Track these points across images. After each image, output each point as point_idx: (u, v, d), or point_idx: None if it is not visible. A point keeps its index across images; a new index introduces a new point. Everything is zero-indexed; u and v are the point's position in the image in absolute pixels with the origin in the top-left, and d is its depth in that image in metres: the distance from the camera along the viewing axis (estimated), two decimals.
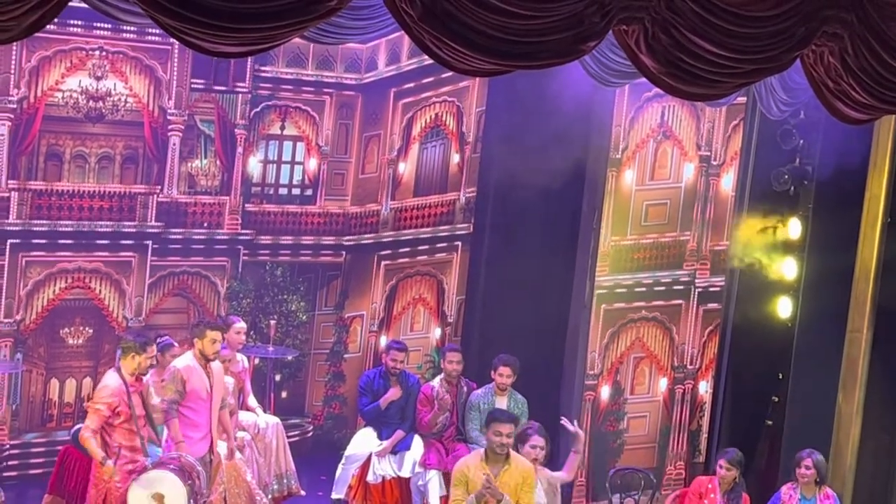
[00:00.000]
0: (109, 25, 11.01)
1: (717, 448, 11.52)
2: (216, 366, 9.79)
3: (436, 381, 11.23)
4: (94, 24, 11.03)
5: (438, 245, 12.94)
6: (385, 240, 12.75)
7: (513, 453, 9.01)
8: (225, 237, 11.99)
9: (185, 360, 9.62)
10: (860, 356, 10.61)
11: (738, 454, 10.21)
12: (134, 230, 11.52)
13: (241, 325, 11.03)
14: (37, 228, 11.15)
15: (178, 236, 11.75)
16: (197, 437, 9.68)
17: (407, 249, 12.84)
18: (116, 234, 11.45)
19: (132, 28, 10.98)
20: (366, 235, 12.67)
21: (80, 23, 10.99)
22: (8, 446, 11.12)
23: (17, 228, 11.06)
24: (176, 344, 10.49)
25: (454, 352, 11.22)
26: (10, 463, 11.11)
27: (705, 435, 11.85)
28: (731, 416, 11.82)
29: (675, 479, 11.72)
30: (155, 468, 8.93)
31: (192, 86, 11.61)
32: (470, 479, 8.77)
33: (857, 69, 8.51)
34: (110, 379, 9.22)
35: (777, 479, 10.86)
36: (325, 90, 12.29)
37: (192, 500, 9.04)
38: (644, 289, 11.59)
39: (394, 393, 10.97)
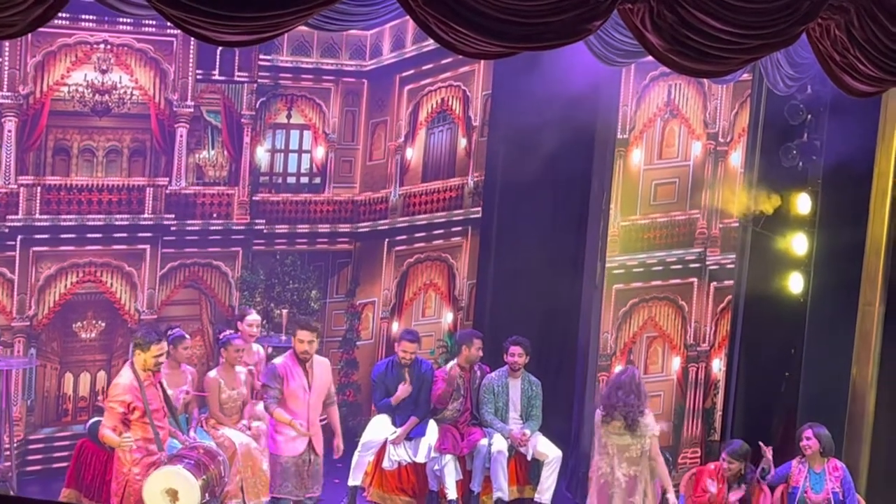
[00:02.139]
0: (114, 18, 11.00)
1: (731, 426, 11.53)
2: (318, 363, 10.02)
3: (449, 366, 11.25)
4: (99, 18, 11.03)
5: (448, 230, 12.95)
6: (395, 226, 12.75)
7: None
8: (234, 227, 11.99)
9: (282, 358, 9.99)
10: (873, 329, 10.59)
11: (742, 447, 10.19)
12: (143, 223, 11.53)
13: (253, 317, 11.08)
14: (46, 223, 11.16)
15: (188, 228, 11.76)
16: (292, 435, 9.99)
17: (417, 235, 12.84)
18: (126, 226, 11.46)
19: (136, 21, 10.97)
20: (375, 222, 12.67)
21: (84, 16, 10.98)
22: (24, 441, 11.14)
23: (26, 224, 11.08)
24: (188, 336, 10.52)
25: (480, 339, 11.25)
26: (27, 458, 11.14)
27: (720, 413, 11.85)
28: (745, 393, 11.82)
29: (690, 457, 11.73)
30: (170, 462, 8.94)
31: (198, 77, 11.61)
32: None
33: (863, 41, 8.49)
34: (123, 376, 9.25)
35: (793, 455, 10.85)
36: (331, 78, 12.29)
37: (212, 487, 9.08)
38: (655, 268, 11.58)
39: (404, 391, 10.97)
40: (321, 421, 10.36)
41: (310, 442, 10.08)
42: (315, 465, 10.26)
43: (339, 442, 10.34)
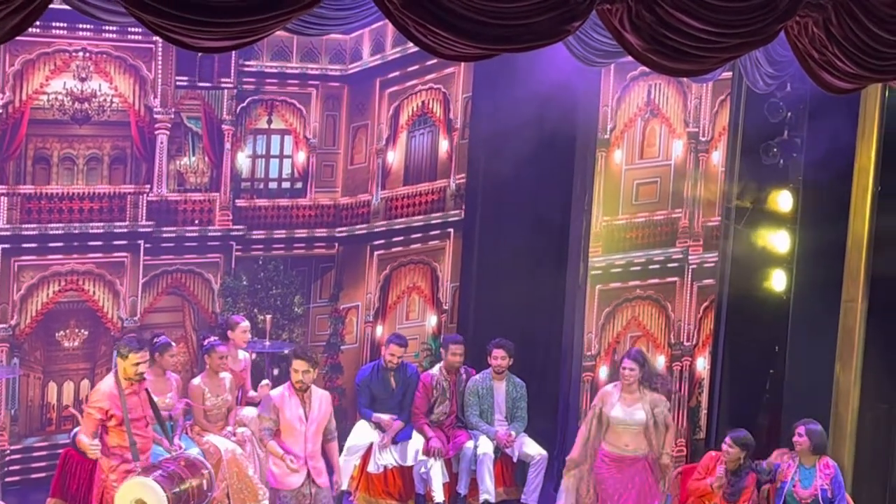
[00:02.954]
0: (92, 26, 10.98)
1: (716, 424, 11.54)
2: (316, 394, 9.60)
3: (435, 370, 11.26)
4: (77, 26, 11.00)
5: (430, 233, 12.94)
6: (377, 230, 12.74)
7: None
8: (216, 233, 11.97)
9: (280, 389, 9.63)
10: (856, 326, 10.62)
11: (746, 436, 10.22)
12: (125, 230, 11.50)
13: (245, 324, 11.09)
14: (27, 232, 11.12)
15: (170, 234, 11.73)
16: (289, 469, 9.53)
17: (399, 238, 12.84)
18: (108, 234, 11.43)
19: (115, 28, 10.95)
20: (358, 226, 12.66)
21: (62, 24, 10.96)
22: (9, 451, 11.10)
23: (7, 233, 11.04)
24: (173, 344, 10.50)
25: (457, 344, 11.25)
26: (11, 468, 11.10)
27: (705, 411, 11.87)
28: (730, 391, 11.84)
29: (676, 456, 11.73)
30: (143, 473, 8.90)
31: (178, 83, 11.58)
32: None
33: (841, 38, 8.51)
34: (104, 383, 9.23)
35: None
36: (311, 82, 12.28)
37: (186, 501, 8.99)
38: (638, 268, 11.60)
39: (395, 428, 10.97)
40: None
41: (309, 474, 9.56)
42: (318, 497, 10.09)
43: (338, 478, 10.05)
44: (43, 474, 10.98)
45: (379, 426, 11.03)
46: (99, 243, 11.41)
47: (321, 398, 9.59)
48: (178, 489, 8.91)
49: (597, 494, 10.35)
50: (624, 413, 10.22)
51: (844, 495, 10.13)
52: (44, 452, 11.21)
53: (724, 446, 10.19)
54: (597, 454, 10.28)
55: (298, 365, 9.48)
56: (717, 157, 11.66)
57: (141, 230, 11.57)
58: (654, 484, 10.38)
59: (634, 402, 10.25)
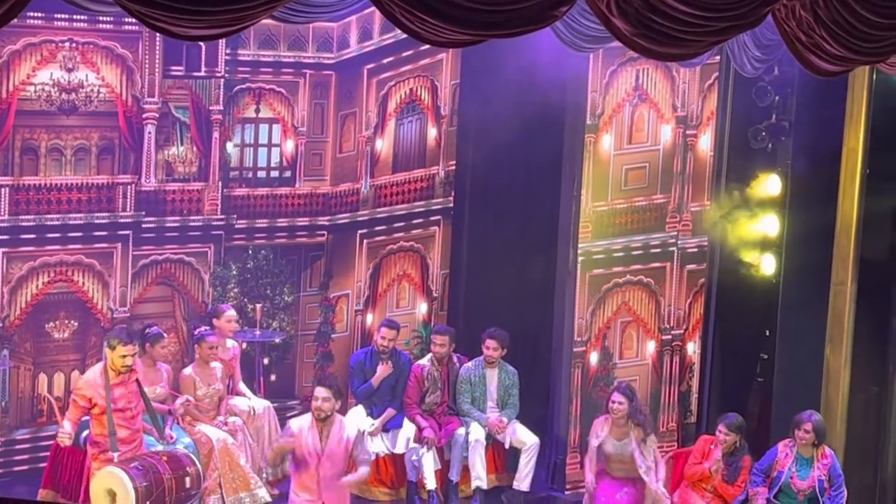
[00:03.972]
0: (78, 16, 10.94)
1: (707, 408, 11.56)
2: (336, 426, 9.25)
3: (425, 360, 11.26)
4: (63, 16, 10.96)
5: (420, 220, 12.93)
6: (366, 218, 12.73)
7: None
8: (206, 223, 11.94)
9: (302, 419, 9.29)
10: (846, 309, 10.64)
11: (738, 419, 10.24)
12: (114, 220, 11.47)
13: (231, 313, 11.06)
14: (16, 224, 11.09)
15: (159, 224, 11.71)
16: (305, 498, 9.27)
17: (389, 226, 12.82)
18: (96, 225, 11.40)
19: (101, 17, 10.92)
20: (347, 214, 12.64)
21: (48, 15, 10.92)
22: (0, 443, 11.09)
23: None
24: (165, 335, 10.50)
25: (439, 335, 11.25)
26: (2, 460, 11.09)
27: (696, 395, 11.89)
28: (721, 375, 11.85)
29: (667, 441, 11.75)
30: (119, 464, 8.88)
31: (165, 73, 11.56)
32: None
33: (828, 21, 8.51)
34: (90, 372, 9.26)
35: (769, 436, 10.89)
36: (299, 71, 12.25)
37: (160, 496, 8.92)
38: (627, 253, 11.59)
39: (384, 370, 10.99)
40: None
41: None
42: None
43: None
44: (34, 465, 10.96)
45: (369, 412, 11.03)
46: (88, 234, 11.38)
47: (340, 439, 9.23)
48: (148, 483, 8.83)
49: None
50: (614, 447, 10.32)
51: (842, 485, 10.13)
52: (35, 444, 11.19)
53: (720, 435, 10.19)
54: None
55: (318, 392, 9.25)
56: (706, 141, 11.67)
57: (129, 220, 11.55)
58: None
59: (623, 435, 10.30)
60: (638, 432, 10.29)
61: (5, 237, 11.06)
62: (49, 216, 11.20)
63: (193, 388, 10.47)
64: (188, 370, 10.60)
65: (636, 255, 11.61)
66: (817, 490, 10.08)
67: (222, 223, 12.02)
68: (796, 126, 10.79)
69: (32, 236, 11.16)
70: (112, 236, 11.49)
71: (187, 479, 9.11)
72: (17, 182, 11.08)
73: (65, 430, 9.03)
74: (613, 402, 10.28)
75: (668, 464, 10.64)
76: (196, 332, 10.78)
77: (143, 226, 11.61)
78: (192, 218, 11.87)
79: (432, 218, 12.96)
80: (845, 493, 10.17)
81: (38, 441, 11.19)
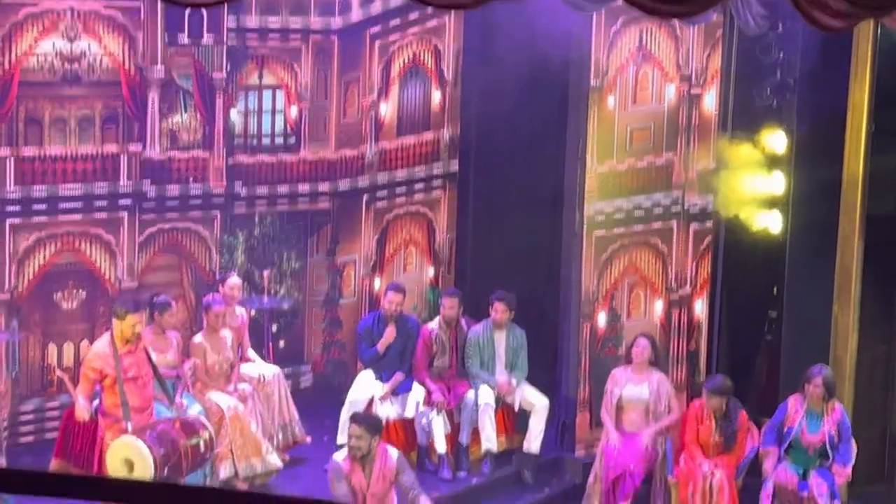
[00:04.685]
0: None
1: (716, 367, 11.57)
2: (378, 465, 8.84)
3: (433, 324, 11.27)
4: None
5: (425, 184, 12.93)
6: (372, 182, 12.73)
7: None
8: (211, 191, 11.95)
9: (343, 455, 8.89)
10: (853, 266, 10.63)
11: (722, 382, 10.26)
12: (120, 190, 11.48)
13: (234, 280, 11.06)
14: (22, 195, 11.10)
15: (165, 193, 11.72)
16: None
17: (394, 191, 12.83)
18: (102, 195, 11.41)
19: None
20: (352, 180, 12.64)
21: None
22: (11, 414, 11.11)
23: (1, 196, 11.01)
24: (173, 303, 10.52)
25: (448, 297, 11.27)
26: (14, 430, 11.12)
27: (704, 354, 11.89)
28: (728, 334, 11.86)
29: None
30: (135, 433, 8.90)
31: (167, 41, 11.53)
32: None
33: None
34: (98, 344, 9.26)
35: (777, 394, 10.91)
36: (301, 36, 12.23)
37: (177, 461, 8.94)
38: (633, 213, 11.58)
39: (389, 333, 11.00)
40: None
41: None
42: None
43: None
44: (46, 436, 11.00)
45: (378, 376, 11.05)
46: (94, 204, 11.39)
47: (384, 474, 8.83)
48: (166, 450, 8.86)
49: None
50: (632, 391, 10.49)
51: (850, 438, 10.16)
52: (46, 414, 11.23)
53: (704, 398, 10.24)
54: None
55: (352, 430, 8.87)
56: (711, 99, 11.63)
57: (135, 189, 11.55)
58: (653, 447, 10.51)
59: (642, 380, 10.43)
60: (659, 376, 10.55)
61: (12, 208, 11.06)
62: (55, 186, 11.20)
63: (204, 356, 10.49)
64: (198, 338, 10.63)
65: (642, 215, 11.60)
66: (827, 444, 10.10)
67: (228, 191, 12.02)
68: (801, 83, 10.75)
69: (39, 207, 11.17)
70: (118, 206, 11.49)
71: (201, 443, 9.16)
72: (22, 153, 11.07)
73: (81, 405, 9.05)
74: (639, 346, 10.46)
75: (676, 424, 10.66)
76: (204, 301, 10.80)
77: (149, 195, 11.62)
78: (198, 186, 11.87)
79: (437, 182, 12.96)
80: (854, 447, 10.20)
81: (48, 411, 11.22)
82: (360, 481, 8.73)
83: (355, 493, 8.65)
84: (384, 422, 10.73)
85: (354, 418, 9.06)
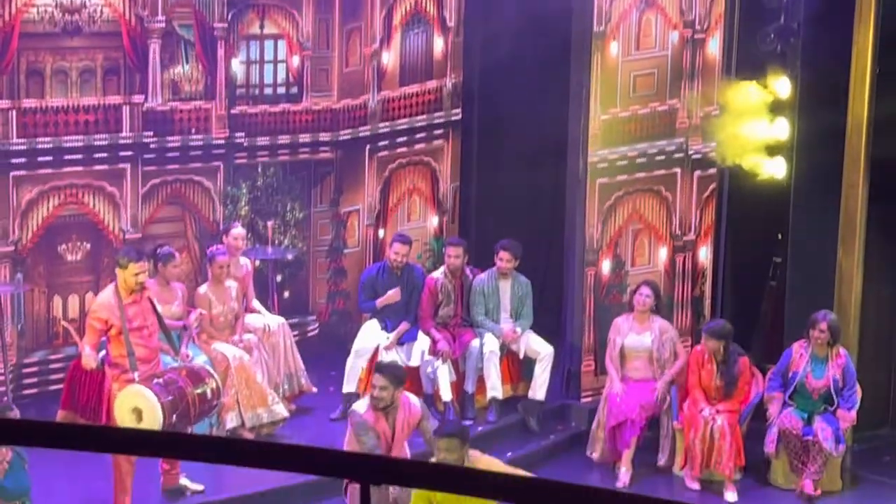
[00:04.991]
0: None
1: (720, 314, 11.59)
2: (402, 415, 8.71)
3: (438, 273, 11.27)
4: None
5: (429, 133, 12.90)
6: (375, 132, 12.70)
7: (476, 460, 8.26)
8: (214, 142, 11.92)
9: (363, 406, 8.73)
10: (857, 211, 10.61)
11: (721, 326, 10.30)
12: (122, 141, 11.45)
13: (238, 230, 11.05)
14: (24, 147, 11.08)
15: (167, 144, 11.69)
16: None
17: (397, 140, 12.80)
18: (105, 146, 11.38)
19: None
20: (355, 129, 12.61)
21: None
22: (18, 366, 11.14)
23: (3, 148, 10.99)
24: (176, 254, 10.51)
25: (453, 246, 11.26)
26: (21, 382, 11.16)
27: (709, 300, 11.91)
28: (733, 280, 11.87)
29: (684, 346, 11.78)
30: (141, 382, 8.92)
31: None
32: (429, 495, 8.11)
33: None
34: (103, 294, 9.26)
35: (782, 339, 10.93)
36: None
37: (185, 409, 8.95)
38: (637, 160, 11.55)
39: (393, 294, 10.98)
40: None
41: None
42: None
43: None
44: (53, 387, 11.03)
45: (384, 326, 11.07)
46: (96, 155, 11.36)
47: (408, 422, 8.76)
48: (173, 397, 8.88)
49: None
50: (634, 339, 10.51)
51: (855, 383, 10.19)
52: (53, 366, 11.26)
53: (703, 341, 10.28)
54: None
55: (375, 380, 8.75)
56: (714, 45, 11.58)
57: (138, 140, 11.52)
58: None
59: (644, 329, 10.45)
60: (661, 324, 10.58)
61: (14, 161, 11.04)
62: (57, 139, 11.18)
63: (209, 307, 10.51)
64: (203, 288, 10.64)
65: (646, 162, 11.57)
66: (832, 389, 10.13)
67: (230, 141, 12.00)
68: (805, 27, 10.69)
69: (42, 159, 11.15)
70: (120, 157, 11.47)
71: (208, 391, 9.16)
72: (24, 105, 11.04)
73: (88, 355, 9.06)
74: (642, 294, 10.46)
75: (680, 370, 10.69)
76: (208, 252, 10.80)
77: (151, 146, 11.59)
78: (200, 137, 11.84)
79: (441, 131, 12.93)
80: (859, 391, 10.23)
81: (52, 363, 11.25)
82: (384, 430, 8.66)
83: (379, 442, 8.61)
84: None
85: (379, 369, 8.95)
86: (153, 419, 8.72)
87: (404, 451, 8.89)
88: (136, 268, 9.08)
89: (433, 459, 8.23)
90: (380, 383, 8.62)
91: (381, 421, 8.61)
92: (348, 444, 8.74)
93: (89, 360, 9.05)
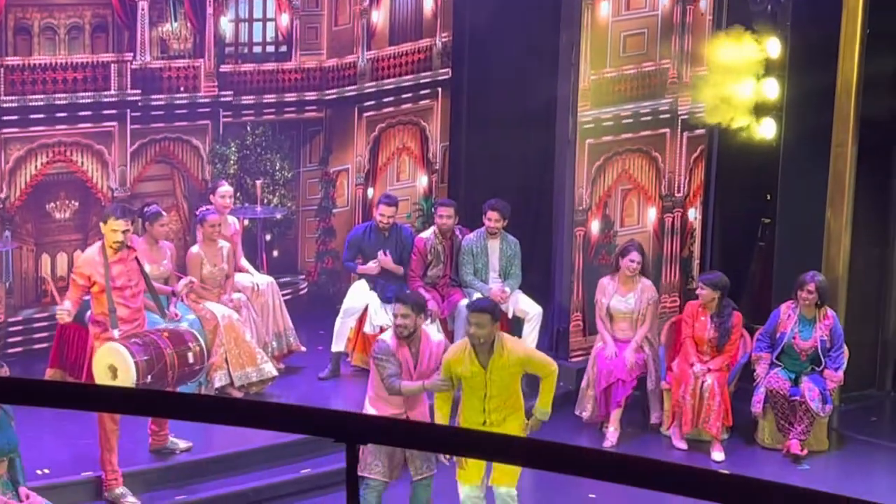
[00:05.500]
0: None
1: None
2: (426, 347, 8.57)
3: (428, 233, 11.26)
4: None
5: (418, 92, 12.87)
6: (364, 91, 12.67)
7: (504, 339, 8.42)
8: (203, 100, 11.89)
9: (389, 335, 8.64)
10: (846, 171, 10.62)
11: (718, 278, 10.31)
12: (110, 99, 11.41)
13: (225, 188, 11.02)
14: (12, 104, 11.03)
15: (156, 102, 11.65)
16: (387, 413, 8.50)
17: (387, 99, 12.77)
18: (93, 104, 11.34)
19: None
20: (345, 88, 12.58)
21: None
22: (5, 323, 11.15)
23: None
24: (164, 213, 10.48)
25: (443, 206, 11.25)
26: (9, 340, 11.16)
27: (697, 261, 11.93)
28: (722, 240, 11.89)
29: (669, 306, 11.81)
30: (120, 340, 8.89)
31: None
32: (457, 373, 8.38)
33: None
34: (88, 251, 9.21)
35: (771, 299, 10.96)
36: None
37: (161, 369, 8.91)
38: (627, 120, 11.53)
39: (371, 268, 10.96)
40: None
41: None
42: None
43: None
44: (41, 345, 11.04)
45: (372, 286, 11.07)
46: (85, 113, 11.33)
47: (431, 352, 8.57)
48: (148, 357, 8.83)
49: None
50: (619, 302, 10.55)
51: (842, 344, 10.22)
52: (42, 324, 11.25)
53: (699, 290, 10.35)
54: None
55: (396, 308, 8.61)
56: (704, 4, 11.55)
57: (126, 98, 11.49)
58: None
59: (628, 291, 10.48)
60: (643, 285, 10.59)
61: (2, 118, 11.00)
62: (45, 96, 11.13)
63: (200, 267, 10.48)
64: (195, 248, 10.61)
65: (636, 122, 11.56)
66: (819, 350, 10.17)
67: (219, 100, 11.96)
68: None
69: (31, 117, 11.11)
70: (109, 115, 11.43)
71: (189, 355, 9.05)
72: (11, 62, 10.99)
73: (64, 308, 9.01)
74: (633, 261, 10.45)
75: (670, 329, 10.73)
76: (198, 213, 10.77)
77: (140, 104, 11.55)
78: (189, 95, 11.81)
79: (430, 90, 12.90)
80: (846, 352, 10.26)
81: (42, 321, 11.24)
82: (406, 358, 8.54)
83: (401, 371, 8.50)
84: (379, 330, 10.76)
85: (400, 298, 8.79)
86: (127, 377, 8.69)
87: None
88: (116, 224, 8.96)
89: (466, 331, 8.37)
90: (401, 311, 8.51)
91: (403, 349, 8.55)
92: (371, 377, 8.67)
93: (63, 313, 9.01)
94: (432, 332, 9.04)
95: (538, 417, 8.56)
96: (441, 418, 8.62)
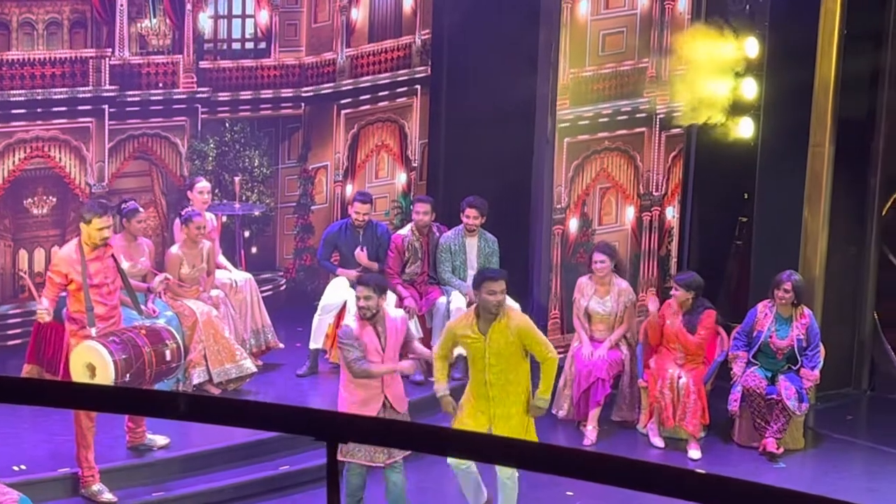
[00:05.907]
0: None
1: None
2: (391, 324, 8.70)
3: (406, 230, 11.26)
4: None
5: (397, 90, 12.87)
6: (343, 88, 12.66)
7: (509, 309, 8.70)
8: (181, 96, 11.87)
9: (352, 319, 8.75)
10: (823, 170, 10.66)
11: (692, 278, 10.33)
12: (89, 95, 11.38)
13: (203, 184, 10.99)
14: None
15: (134, 98, 11.63)
16: (362, 396, 8.67)
17: (366, 96, 12.77)
18: (71, 100, 11.31)
19: None
20: (324, 85, 12.57)
21: None
22: None
23: None
24: (142, 210, 10.44)
25: (421, 203, 11.25)
26: None
27: (675, 260, 11.96)
28: (699, 238, 11.93)
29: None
30: (98, 339, 8.86)
31: None
32: (458, 337, 8.65)
33: None
34: (65, 248, 9.16)
35: (748, 298, 10.99)
36: None
37: (139, 367, 8.90)
38: (606, 119, 11.57)
39: (350, 273, 10.95)
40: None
41: (386, 402, 8.73)
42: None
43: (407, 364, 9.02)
44: (18, 341, 11.00)
45: (351, 283, 11.07)
46: (63, 109, 11.30)
47: (396, 328, 8.73)
48: (127, 356, 8.80)
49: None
50: (597, 304, 10.56)
51: (819, 343, 10.26)
52: (18, 319, 11.22)
53: (673, 291, 10.37)
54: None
55: (359, 290, 8.69)
56: (683, 4, 11.58)
57: (104, 94, 11.46)
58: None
59: (606, 293, 10.49)
60: (619, 288, 10.56)
61: None
62: (22, 91, 11.10)
63: (179, 267, 10.43)
64: (175, 248, 10.55)
65: (614, 120, 11.59)
66: (796, 349, 10.21)
67: (198, 96, 11.94)
68: None
69: (7, 112, 11.07)
70: (87, 111, 11.41)
71: (167, 352, 9.01)
72: None
73: (42, 307, 8.98)
74: (596, 261, 10.43)
75: (645, 331, 10.74)
76: (183, 214, 10.71)
77: (118, 100, 11.53)
78: (168, 91, 11.78)
79: (409, 88, 12.90)
80: (822, 351, 10.31)
81: (18, 317, 11.21)
82: (372, 340, 8.62)
83: (367, 353, 8.59)
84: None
85: (361, 280, 8.89)
86: (106, 376, 8.66)
87: (397, 359, 8.77)
88: (100, 222, 8.93)
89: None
90: (363, 293, 8.62)
91: (367, 330, 8.62)
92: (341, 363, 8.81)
93: (42, 313, 8.98)
94: (390, 309, 9.07)
95: (538, 405, 8.64)
96: (439, 381, 8.90)
